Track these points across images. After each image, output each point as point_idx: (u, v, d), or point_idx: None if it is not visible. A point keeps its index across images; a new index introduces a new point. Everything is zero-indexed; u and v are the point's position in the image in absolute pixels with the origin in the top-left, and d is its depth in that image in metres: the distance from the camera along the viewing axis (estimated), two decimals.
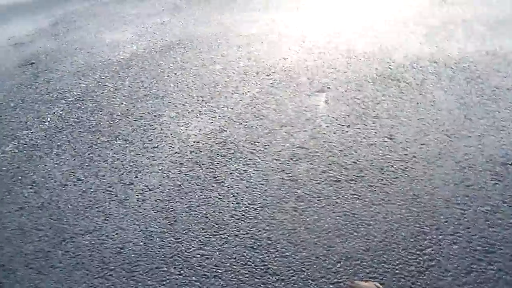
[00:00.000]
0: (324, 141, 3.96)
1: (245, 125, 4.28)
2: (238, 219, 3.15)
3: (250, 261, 2.83)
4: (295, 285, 2.64)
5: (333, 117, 4.29)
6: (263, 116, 4.41)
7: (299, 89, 4.82)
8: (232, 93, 4.82)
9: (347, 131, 4.06)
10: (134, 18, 8.22)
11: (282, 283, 2.65)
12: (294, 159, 3.75)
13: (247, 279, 2.72)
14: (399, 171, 3.53)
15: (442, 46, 5.53)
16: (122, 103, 4.90)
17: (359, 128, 4.08)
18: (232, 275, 2.74)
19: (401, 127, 4.05)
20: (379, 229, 3.00)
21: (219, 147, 3.97)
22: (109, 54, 6.33)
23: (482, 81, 4.60)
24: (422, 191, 3.27)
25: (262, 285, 2.66)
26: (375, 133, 4.01)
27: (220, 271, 2.76)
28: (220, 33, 6.69)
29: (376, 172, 3.54)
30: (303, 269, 2.72)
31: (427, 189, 3.28)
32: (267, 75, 5.15)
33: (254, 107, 4.57)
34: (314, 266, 2.73)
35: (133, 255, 2.93)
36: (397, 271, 2.65)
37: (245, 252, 2.91)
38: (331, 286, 2.63)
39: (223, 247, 2.93)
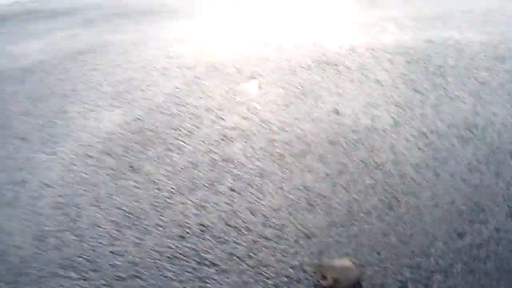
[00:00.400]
0: (260, 121, 3.50)
1: (166, 113, 3.75)
2: (161, 207, 2.51)
3: (179, 253, 2.17)
4: (242, 275, 2.03)
5: (268, 99, 3.88)
6: (187, 103, 3.90)
7: (227, 78, 4.38)
8: (151, 86, 4.26)
9: (286, 110, 3.67)
10: (43, 32, 7.61)
11: (225, 275, 2.01)
12: (225, 140, 3.22)
13: (177, 274, 2.07)
14: (353, 142, 3.11)
15: (377, 37, 5.42)
16: (21, 104, 4.23)
17: (299, 106, 3.67)
18: (156, 272, 2.07)
19: (347, 102, 3.74)
20: (341, 200, 2.47)
21: (135, 136, 3.36)
22: (11, 63, 5.66)
23: (424, 62, 4.47)
24: (385, 159, 2.84)
25: (198, 280, 2.01)
26: (318, 109, 3.63)
27: (139, 269, 2.08)
28: (137, 39, 6.22)
29: (325, 145, 3.11)
30: (251, 254, 2.11)
31: (391, 157, 2.86)
32: (190, 68, 4.67)
33: (176, 96, 4.05)
34: (265, 249, 2.13)
35: (19, 261, 2.17)
36: (372, 244, 2.14)
37: (171, 243, 2.25)
38: (291, 270, 2.04)
39: (142, 241, 2.26)
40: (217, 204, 2.59)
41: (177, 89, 4.07)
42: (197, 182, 2.81)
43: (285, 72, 4.26)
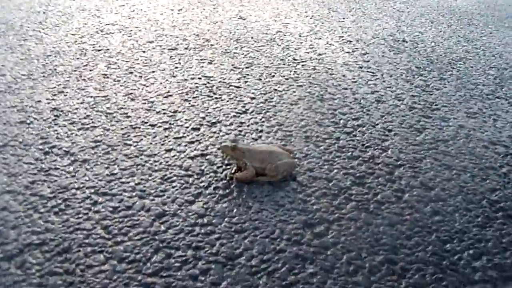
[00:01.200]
0: (147, 20, 2.96)
1: (30, 11, 2.99)
2: (6, 92, 1.87)
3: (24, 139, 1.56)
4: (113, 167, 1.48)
5: (158, 3, 3.28)
6: (55, 3, 3.15)
7: None
8: None
9: (180, 13, 3.23)
10: None
11: (86, 166, 1.44)
12: (101, 33, 2.67)
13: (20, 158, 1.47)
14: (264, 41, 2.76)
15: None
16: None
17: (196, 11, 3.25)
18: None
19: (253, 12, 3.29)
20: (256, 91, 2.02)
21: None
22: None
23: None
24: (307, 57, 2.65)
25: (46, 169, 1.43)
26: (219, 14, 3.17)
27: None
28: None
29: (231, 42, 2.68)
30: (129, 142, 1.54)
31: (313, 56, 2.53)
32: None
33: None
34: (148, 137, 1.59)
35: None
36: (296, 130, 1.71)
37: (14, 128, 1.63)
38: (189, 160, 1.52)
39: None
40: (82, 89, 1.97)
41: None
42: (58, 69, 2.16)
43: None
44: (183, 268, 1.16)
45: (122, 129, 1.76)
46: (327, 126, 1.94)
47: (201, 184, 1.48)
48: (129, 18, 3.07)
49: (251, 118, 1.94)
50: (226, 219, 1.34)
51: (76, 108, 1.87)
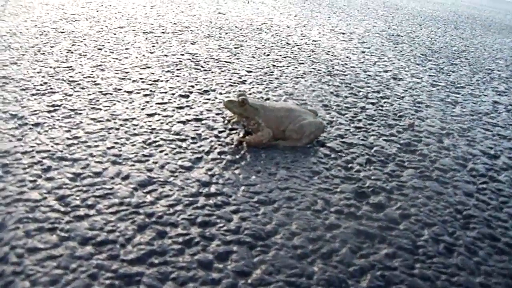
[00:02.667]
0: (116, 12, 2.47)
1: None
2: None
3: None
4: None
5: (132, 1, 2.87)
6: None
7: None
8: None
9: (152, 9, 2.70)
10: None
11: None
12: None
13: None
14: (250, 29, 2.41)
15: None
16: None
17: (169, 7, 2.76)
18: None
19: (233, 10, 2.88)
20: (242, 64, 1.60)
21: None
22: None
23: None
24: (300, 42, 2.11)
25: None
26: (196, 10, 2.75)
27: None
28: None
29: (214, 29, 2.30)
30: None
31: (303, 41, 2.09)
32: None
33: None
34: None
35: None
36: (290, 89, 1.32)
37: None
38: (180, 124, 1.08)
39: None
40: (39, 61, 1.51)
41: None
42: (13, 45, 1.69)
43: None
44: (186, 252, 0.68)
45: (89, 94, 1.28)
46: (345, 97, 1.52)
47: (200, 149, 1.01)
48: (97, 11, 2.61)
49: (252, 88, 1.50)
50: (242, 188, 0.87)
51: (31, 77, 1.40)
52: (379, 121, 1.34)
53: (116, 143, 1.00)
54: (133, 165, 0.92)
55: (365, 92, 1.62)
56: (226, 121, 1.19)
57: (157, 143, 1.02)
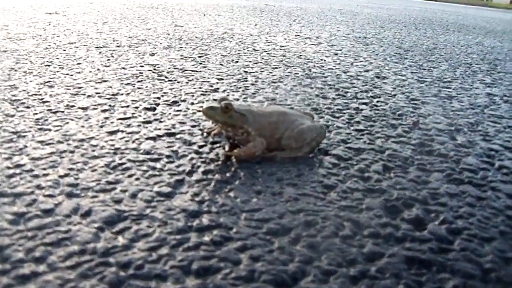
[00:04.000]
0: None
1: None
2: None
3: None
4: None
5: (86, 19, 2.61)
6: None
7: None
8: None
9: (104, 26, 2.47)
10: None
11: None
12: None
13: None
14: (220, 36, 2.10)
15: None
16: None
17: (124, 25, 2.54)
18: None
19: (194, 26, 2.69)
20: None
21: None
22: None
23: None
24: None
25: None
26: (152, 24, 2.54)
27: None
28: None
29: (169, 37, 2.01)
30: None
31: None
32: None
33: None
34: None
35: None
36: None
37: None
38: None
39: None
40: None
41: None
42: None
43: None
44: None
45: (35, 114, 1.04)
46: (333, 98, 1.34)
47: (179, 169, 0.79)
48: (44, 30, 2.35)
49: (227, 95, 1.28)
50: (244, 216, 0.65)
51: None
52: (379, 122, 1.15)
53: (71, 169, 0.76)
54: (95, 197, 0.68)
55: (353, 92, 1.43)
56: (205, 134, 0.97)
57: (123, 166, 0.79)
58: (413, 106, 1.33)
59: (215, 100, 1.22)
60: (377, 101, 1.36)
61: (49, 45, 1.88)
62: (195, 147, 0.90)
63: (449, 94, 1.53)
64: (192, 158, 0.85)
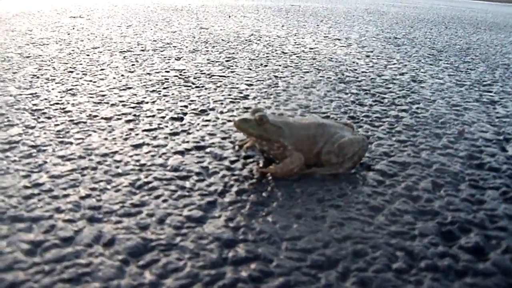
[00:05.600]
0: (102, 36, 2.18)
1: None
2: None
3: None
4: None
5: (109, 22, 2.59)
6: None
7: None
8: None
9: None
10: None
11: None
12: None
13: None
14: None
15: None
16: None
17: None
18: None
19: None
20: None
21: None
22: None
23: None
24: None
25: None
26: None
27: None
28: None
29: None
30: None
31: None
32: None
33: None
34: None
35: None
36: None
37: None
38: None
39: None
40: None
41: None
42: None
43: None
44: None
45: (56, 125, 0.98)
46: (370, 105, 1.25)
47: (210, 189, 0.71)
48: (68, 34, 2.31)
49: (258, 103, 1.21)
50: (285, 245, 0.58)
51: None
52: (422, 131, 1.06)
53: (93, 189, 0.70)
54: (119, 222, 0.61)
55: (390, 98, 1.34)
56: (237, 147, 0.89)
57: (150, 185, 0.72)
58: (456, 113, 1.24)
59: (246, 109, 1.15)
60: (417, 108, 1.26)
61: (73, 50, 1.84)
62: (226, 163, 0.83)
63: (491, 99, 1.42)
64: (224, 176, 0.77)
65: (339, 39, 2.54)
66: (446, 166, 0.87)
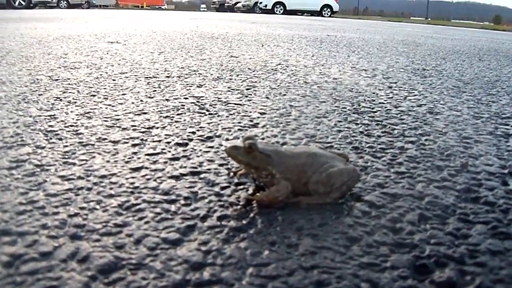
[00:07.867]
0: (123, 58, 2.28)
1: None
2: None
3: None
4: None
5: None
6: None
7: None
8: None
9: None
10: None
11: None
12: None
13: None
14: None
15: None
16: None
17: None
18: None
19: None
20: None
21: None
22: None
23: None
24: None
25: None
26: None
27: None
28: None
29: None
30: None
31: None
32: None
33: None
34: None
35: None
36: None
37: None
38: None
39: None
40: (18, 110, 1.28)
41: None
42: None
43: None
44: None
45: (65, 146, 1.03)
46: (378, 136, 1.24)
47: (193, 213, 0.73)
48: (101, 59, 2.42)
49: (265, 132, 1.23)
50: (250, 271, 0.59)
51: (3, 127, 1.16)
52: (424, 163, 1.05)
53: (82, 208, 0.73)
54: (98, 240, 0.64)
55: (401, 129, 1.34)
56: (231, 174, 0.91)
57: (137, 207, 0.75)
58: (464, 146, 1.22)
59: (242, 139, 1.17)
60: (425, 140, 1.25)
61: (100, 75, 1.93)
62: (217, 189, 0.85)
63: (506, 132, 1.39)
64: (210, 201, 0.79)
65: (365, 70, 2.54)
66: (439, 199, 0.86)
